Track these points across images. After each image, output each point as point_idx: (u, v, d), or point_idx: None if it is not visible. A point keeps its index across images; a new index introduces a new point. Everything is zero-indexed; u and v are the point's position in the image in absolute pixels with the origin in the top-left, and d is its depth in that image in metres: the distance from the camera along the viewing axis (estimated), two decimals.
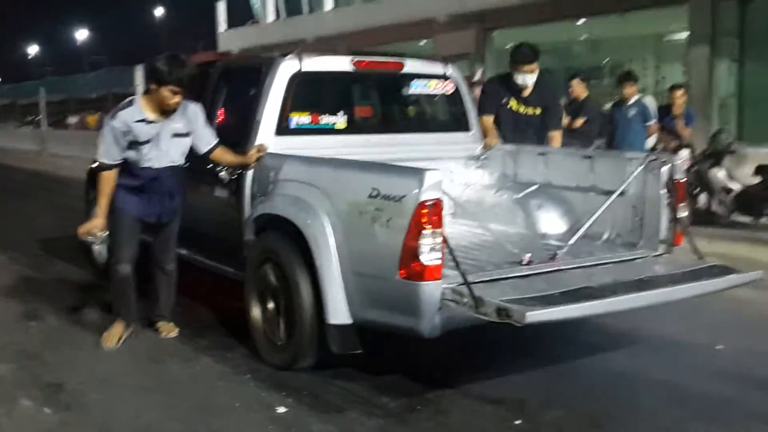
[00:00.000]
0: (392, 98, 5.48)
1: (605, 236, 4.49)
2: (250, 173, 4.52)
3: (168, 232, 4.75)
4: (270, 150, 4.49)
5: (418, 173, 3.42)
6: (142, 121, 4.37)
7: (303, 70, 4.63)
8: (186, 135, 4.48)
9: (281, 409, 3.69)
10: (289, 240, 4.06)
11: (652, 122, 8.38)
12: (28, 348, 4.62)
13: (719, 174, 8.52)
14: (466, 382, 3.97)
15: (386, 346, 4.10)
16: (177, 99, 4.33)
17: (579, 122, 8.66)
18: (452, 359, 4.31)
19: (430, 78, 5.19)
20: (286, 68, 4.60)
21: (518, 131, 5.64)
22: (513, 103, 5.65)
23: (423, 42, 18.99)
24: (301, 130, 4.69)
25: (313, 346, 3.99)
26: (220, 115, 5.08)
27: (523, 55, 5.56)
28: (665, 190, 4.22)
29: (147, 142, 4.37)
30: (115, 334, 4.61)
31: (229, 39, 25.15)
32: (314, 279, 3.90)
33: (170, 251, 4.80)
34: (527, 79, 5.51)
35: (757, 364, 4.28)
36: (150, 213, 4.59)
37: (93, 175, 6.75)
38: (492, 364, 4.28)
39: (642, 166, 4.28)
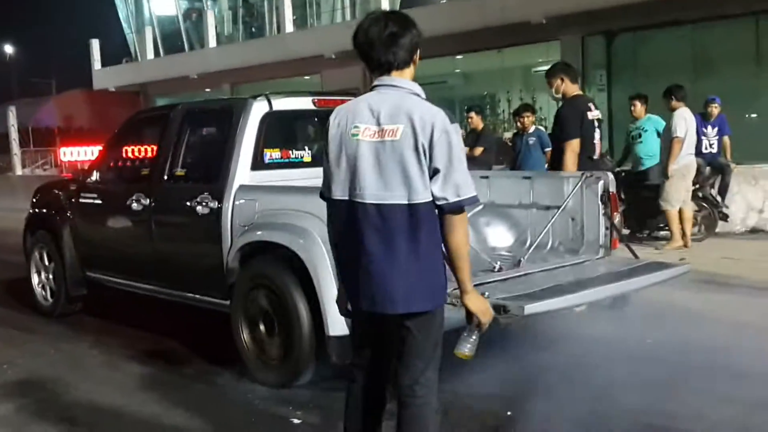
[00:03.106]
0: None
1: (549, 245, 5.13)
2: (229, 205, 4.82)
3: None
4: (248, 183, 4.83)
5: None
6: None
7: (273, 109, 5.01)
8: None
9: (296, 421, 4.01)
10: (282, 264, 4.42)
11: (549, 149, 9.28)
12: (14, 389, 4.66)
13: None
14: (457, 383, 4.37)
15: None
16: None
17: (478, 151, 9.52)
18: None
19: None
20: (258, 108, 4.94)
21: None
22: None
23: (308, 77, 19.57)
24: (274, 164, 5.05)
25: (312, 361, 4.34)
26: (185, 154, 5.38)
27: None
28: (601, 203, 4.93)
29: None
30: None
31: (105, 77, 24.69)
32: (309, 297, 4.26)
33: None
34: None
35: (687, 352, 4.84)
36: None
37: (32, 222, 6.72)
38: (473, 367, 4.74)
39: (580, 183, 4.97)
